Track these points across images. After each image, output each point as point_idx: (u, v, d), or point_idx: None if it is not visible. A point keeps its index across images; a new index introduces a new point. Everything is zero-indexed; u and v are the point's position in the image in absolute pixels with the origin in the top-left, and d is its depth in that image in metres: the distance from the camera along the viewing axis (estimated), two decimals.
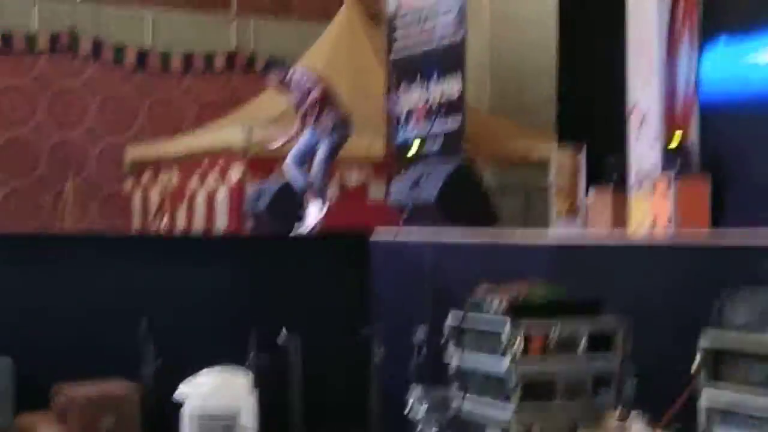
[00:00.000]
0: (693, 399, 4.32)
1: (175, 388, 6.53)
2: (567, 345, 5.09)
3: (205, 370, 6.50)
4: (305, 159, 9.11)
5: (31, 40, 16.34)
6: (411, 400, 5.67)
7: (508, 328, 5.02)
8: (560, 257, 6.42)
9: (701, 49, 9.85)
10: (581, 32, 11.80)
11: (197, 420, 6.35)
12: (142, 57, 16.95)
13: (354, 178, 12.91)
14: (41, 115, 16.32)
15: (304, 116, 9.24)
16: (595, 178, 10.66)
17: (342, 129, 9.17)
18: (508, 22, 15.20)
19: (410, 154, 11.75)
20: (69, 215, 15.27)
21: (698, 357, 4.24)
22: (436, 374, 5.80)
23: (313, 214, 8.86)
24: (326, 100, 9.16)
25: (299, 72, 9.54)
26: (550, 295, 5.34)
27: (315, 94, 9.10)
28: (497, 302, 5.19)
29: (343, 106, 9.39)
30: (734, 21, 9.78)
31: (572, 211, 10.86)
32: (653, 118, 9.71)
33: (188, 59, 17.23)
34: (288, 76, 9.33)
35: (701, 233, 8.19)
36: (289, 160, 9.17)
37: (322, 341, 7.08)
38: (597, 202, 10.41)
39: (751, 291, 4.28)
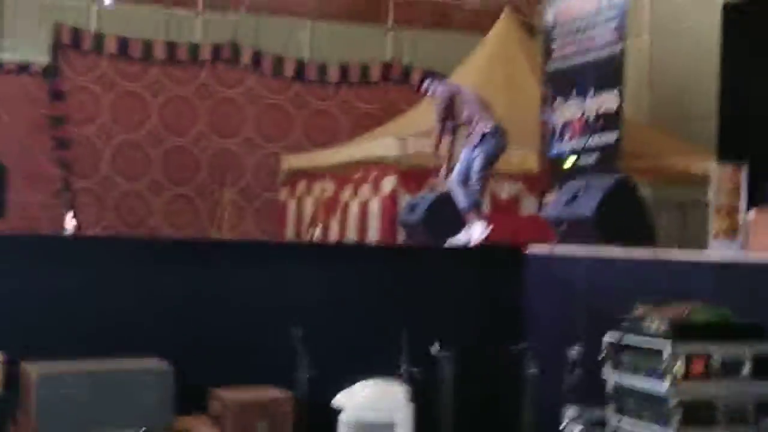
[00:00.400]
0: None
1: (327, 398, 6.58)
2: (730, 369, 4.93)
3: (362, 381, 6.53)
4: (468, 176, 9.07)
5: (194, 50, 16.79)
6: (565, 420, 5.57)
7: (669, 348, 4.89)
8: (722, 277, 6.21)
9: None
10: (745, 44, 11.47)
11: (354, 428, 6.38)
12: (300, 67, 17.23)
13: (506, 191, 12.83)
14: (202, 124, 16.74)
15: (441, 126, 9.25)
16: (756, 197, 10.35)
17: (495, 139, 9.08)
18: (669, 32, 14.88)
19: (566, 166, 11.62)
20: (226, 222, 15.61)
21: None
22: (590, 394, 5.69)
23: (477, 232, 8.81)
24: (454, 108, 9.14)
25: (442, 82, 9.58)
26: (712, 317, 5.18)
27: (443, 103, 9.11)
28: (658, 322, 5.06)
29: (496, 116, 9.31)
30: None
31: (731, 230, 10.55)
32: None
33: (344, 70, 17.43)
34: (434, 87, 9.36)
35: None
36: (453, 178, 9.14)
37: (474, 355, 7.03)
38: (758, 222, 10.09)
39: None
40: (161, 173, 16.53)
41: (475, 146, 9.07)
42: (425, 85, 9.58)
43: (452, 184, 9.14)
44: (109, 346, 6.69)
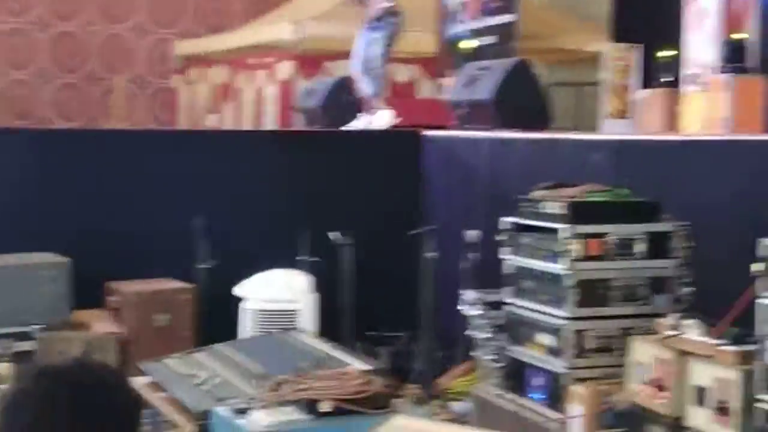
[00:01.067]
0: (751, 305, 4.26)
1: (228, 288, 6.57)
2: (625, 248, 5.02)
3: (264, 271, 6.53)
4: (368, 61, 8.93)
5: None
6: (463, 303, 5.64)
7: (565, 229, 4.96)
8: (618, 157, 6.29)
9: None
10: None
11: (257, 317, 6.40)
12: None
13: (403, 74, 12.76)
14: (92, 9, 16.24)
15: None
16: (648, 76, 10.49)
17: (394, 19, 8.93)
18: None
19: (463, 48, 11.58)
20: (117, 110, 15.30)
21: (756, 265, 4.15)
22: (488, 276, 5.77)
23: (384, 119, 8.73)
24: None
25: None
26: (609, 197, 5.26)
27: None
28: (555, 203, 5.12)
29: None
30: None
31: (624, 109, 10.70)
32: (712, 13, 9.48)
33: None
34: None
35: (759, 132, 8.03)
36: (355, 64, 8.97)
37: (374, 241, 7.06)
38: (649, 100, 10.25)
39: None
40: (49, 61, 16.06)
41: (373, 28, 8.91)
42: None
43: (354, 70, 9.00)
44: (3, 242, 6.54)
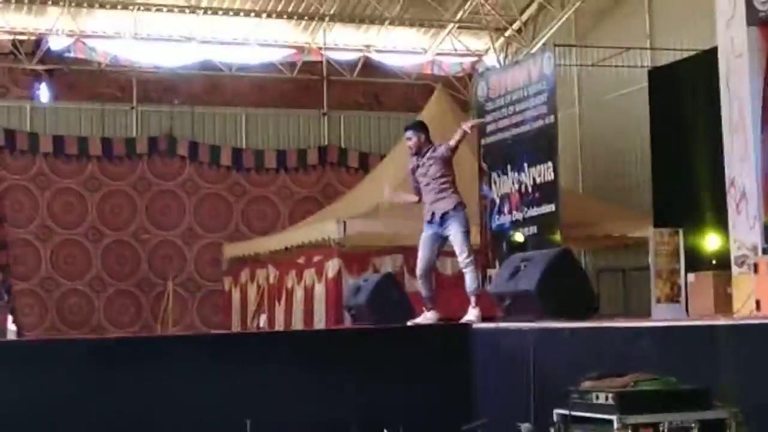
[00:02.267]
0: None
1: None
2: None
3: None
4: (430, 263, 8.94)
5: (130, 143, 16.78)
6: None
7: (617, 420, 4.92)
8: (667, 342, 6.26)
9: None
10: (675, 112, 11.76)
11: None
12: (237, 155, 17.25)
13: (450, 267, 12.87)
14: (142, 217, 16.66)
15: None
16: (694, 260, 10.54)
17: (463, 213, 8.83)
18: (598, 103, 15.19)
19: (515, 240, 11.71)
20: (170, 315, 15.48)
21: None
22: None
23: (433, 318, 8.75)
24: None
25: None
26: (658, 386, 5.22)
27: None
28: (605, 394, 5.10)
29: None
30: None
31: (673, 294, 10.72)
32: (752, 195, 9.58)
33: (281, 155, 17.47)
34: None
35: None
36: (420, 269, 8.96)
37: None
38: (698, 284, 10.27)
39: None
40: (102, 270, 16.38)
41: (439, 224, 8.80)
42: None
43: (419, 275, 8.96)
44: None
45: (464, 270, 8.78)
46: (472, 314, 8.61)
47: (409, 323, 8.75)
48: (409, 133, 9.02)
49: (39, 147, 16.33)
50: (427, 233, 8.87)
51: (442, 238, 8.81)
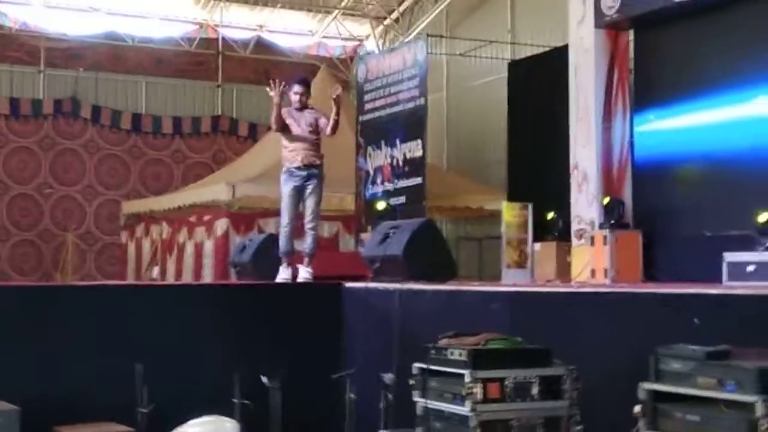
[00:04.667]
0: None
1: (166, 431, 6.40)
2: (521, 390, 5.04)
3: (196, 418, 6.37)
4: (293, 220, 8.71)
5: (37, 104, 16.27)
6: None
7: (468, 375, 4.97)
8: (514, 305, 6.37)
9: (633, 114, 9.99)
10: (529, 101, 11.92)
11: None
12: (136, 120, 16.90)
13: (327, 230, 12.87)
14: (45, 172, 16.22)
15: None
16: (541, 230, 10.73)
17: (322, 181, 8.71)
18: (464, 89, 15.30)
19: (379, 208, 11.75)
20: (69, 265, 15.12)
21: (638, 407, 4.20)
22: (402, 416, 5.72)
23: (304, 274, 8.60)
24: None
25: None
26: (505, 345, 5.30)
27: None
28: (459, 351, 5.14)
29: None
30: (662, 91, 9.91)
31: (521, 260, 10.90)
32: (592, 177, 9.79)
33: (177, 122, 17.18)
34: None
35: (638, 284, 8.21)
36: (283, 225, 8.72)
37: (300, 384, 6.97)
38: (542, 253, 10.47)
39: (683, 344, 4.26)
40: (7, 220, 15.90)
41: (304, 179, 8.57)
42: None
43: (284, 231, 8.80)
44: None
45: (308, 231, 8.59)
46: (305, 272, 8.54)
47: (278, 279, 8.62)
48: (301, 88, 8.72)
49: None
50: (288, 187, 8.55)
51: (301, 193, 8.55)
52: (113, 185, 16.52)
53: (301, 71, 17.18)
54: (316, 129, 8.61)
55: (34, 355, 6.85)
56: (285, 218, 8.66)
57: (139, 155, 16.81)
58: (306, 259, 8.61)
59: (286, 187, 8.60)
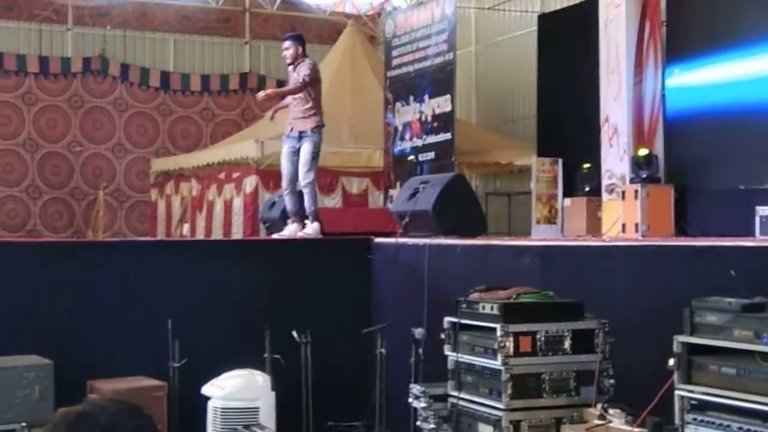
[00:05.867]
0: (668, 396, 4.23)
1: (198, 385, 6.44)
2: (553, 344, 5.00)
3: (228, 371, 6.40)
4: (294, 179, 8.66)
5: (65, 62, 16.27)
6: (411, 395, 5.56)
7: (500, 328, 4.93)
8: (545, 260, 6.31)
9: (665, 68, 9.83)
10: (559, 55, 11.75)
11: (221, 414, 6.27)
12: (165, 78, 16.87)
13: (356, 186, 12.82)
14: (75, 130, 16.26)
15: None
16: (571, 186, 10.63)
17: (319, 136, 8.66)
18: (493, 43, 15.12)
19: (406, 163, 11.69)
20: (100, 222, 15.19)
21: (672, 360, 4.15)
22: (435, 371, 5.70)
23: (313, 230, 8.53)
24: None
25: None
26: (537, 299, 5.25)
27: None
28: (490, 305, 5.10)
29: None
30: (695, 43, 9.73)
31: (551, 216, 10.82)
32: (623, 131, 9.66)
33: (205, 80, 17.14)
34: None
35: (670, 237, 8.11)
36: (285, 187, 8.71)
37: (330, 339, 6.99)
38: (572, 208, 10.38)
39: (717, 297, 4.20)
40: (38, 178, 15.99)
41: (297, 139, 8.58)
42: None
43: (285, 192, 8.78)
44: None
45: (303, 189, 8.54)
46: (311, 228, 8.48)
47: (284, 233, 8.57)
48: (287, 43, 8.74)
49: None
50: (285, 147, 8.67)
51: (296, 155, 8.56)
52: (142, 143, 16.54)
53: (328, 28, 17.18)
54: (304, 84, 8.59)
55: (67, 310, 6.89)
56: (284, 182, 8.71)
57: (168, 113, 16.79)
58: (310, 217, 8.57)
59: (282, 152, 8.75)
